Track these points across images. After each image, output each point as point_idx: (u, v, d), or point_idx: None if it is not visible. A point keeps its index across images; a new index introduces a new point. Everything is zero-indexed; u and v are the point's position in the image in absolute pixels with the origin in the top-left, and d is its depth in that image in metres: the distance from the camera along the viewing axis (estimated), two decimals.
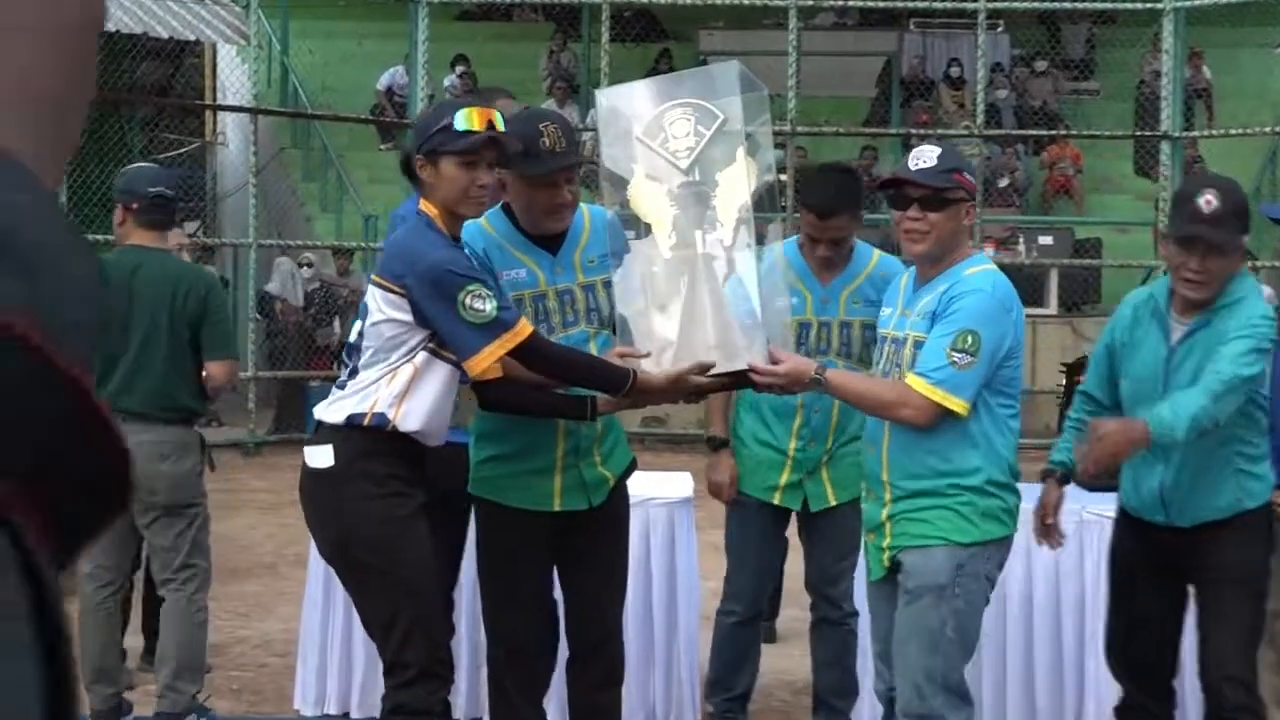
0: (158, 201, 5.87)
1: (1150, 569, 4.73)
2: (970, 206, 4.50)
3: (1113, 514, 5.60)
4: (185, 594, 5.92)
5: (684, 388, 4.35)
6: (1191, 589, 4.71)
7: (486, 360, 4.20)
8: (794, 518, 5.55)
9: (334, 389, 4.44)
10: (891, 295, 4.67)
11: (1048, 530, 4.90)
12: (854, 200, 5.31)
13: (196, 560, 5.95)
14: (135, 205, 5.85)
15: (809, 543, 5.56)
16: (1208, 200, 4.49)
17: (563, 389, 4.44)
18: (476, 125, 4.22)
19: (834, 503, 5.34)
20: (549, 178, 4.45)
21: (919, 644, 4.36)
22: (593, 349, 4.55)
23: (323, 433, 4.38)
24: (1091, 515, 5.67)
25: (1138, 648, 4.79)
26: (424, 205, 4.33)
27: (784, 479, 5.36)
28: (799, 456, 5.33)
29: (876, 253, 5.42)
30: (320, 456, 4.34)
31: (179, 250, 6.51)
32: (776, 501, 5.39)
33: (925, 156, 4.44)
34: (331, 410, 4.38)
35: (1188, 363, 4.55)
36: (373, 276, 4.39)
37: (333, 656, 6.19)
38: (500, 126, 4.27)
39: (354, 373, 4.35)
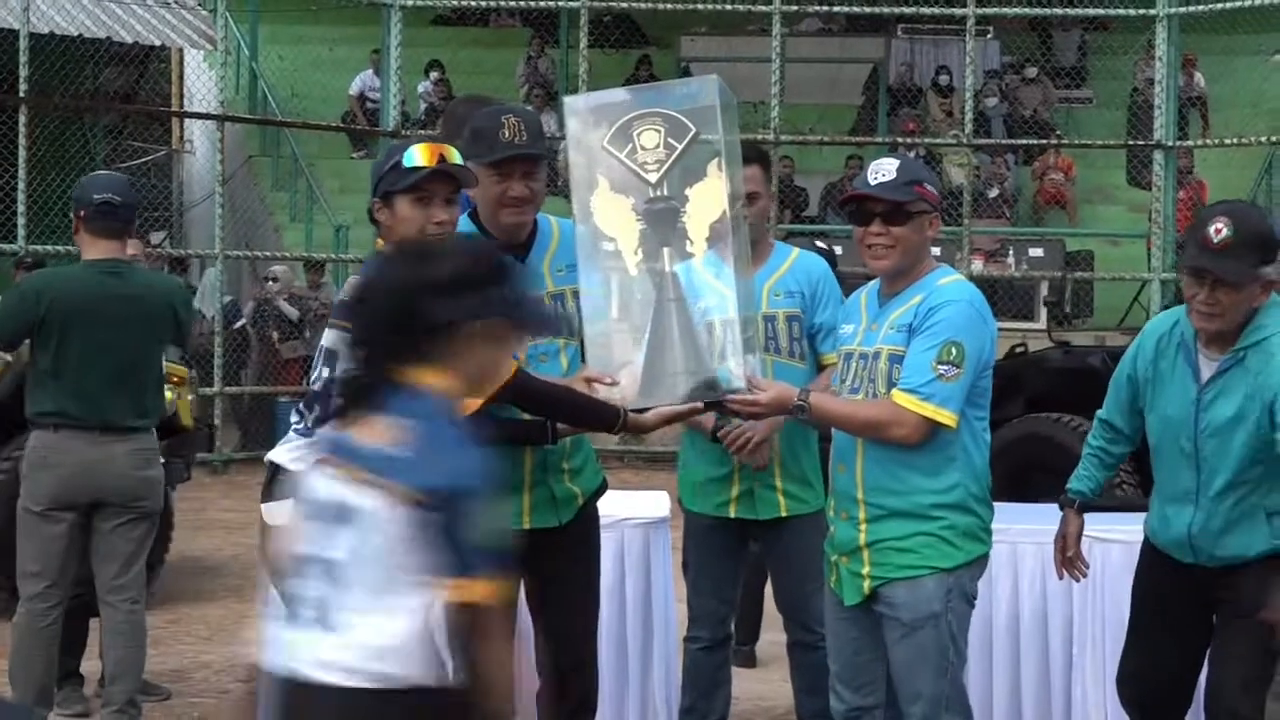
0: (104, 209, 5.93)
1: (1175, 602, 4.76)
2: (934, 218, 4.50)
3: (1102, 534, 5.61)
4: (130, 604, 6.06)
5: (668, 423, 4.41)
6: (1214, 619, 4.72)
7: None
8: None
9: (292, 434, 4.28)
10: (852, 311, 4.66)
11: (1069, 561, 4.91)
12: (763, 155, 5.45)
13: (142, 568, 6.14)
14: (83, 212, 5.94)
15: (772, 564, 5.56)
16: (1217, 229, 4.50)
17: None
18: (424, 160, 4.18)
19: (785, 514, 5.30)
20: (503, 168, 4.44)
21: (927, 672, 4.39)
22: (562, 360, 4.54)
23: (279, 486, 4.21)
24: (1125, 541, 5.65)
25: (1154, 681, 4.81)
26: (383, 248, 4.26)
27: (735, 490, 5.32)
28: (745, 466, 5.27)
29: (796, 250, 5.49)
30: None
31: (139, 259, 6.56)
32: (731, 514, 5.34)
33: (884, 170, 4.43)
34: (296, 459, 4.16)
35: (1220, 402, 4.57)
36: (332, 320, 4.25)
37: None
38: (454, 159, 4.22)
39: (321, 422, 4.16)
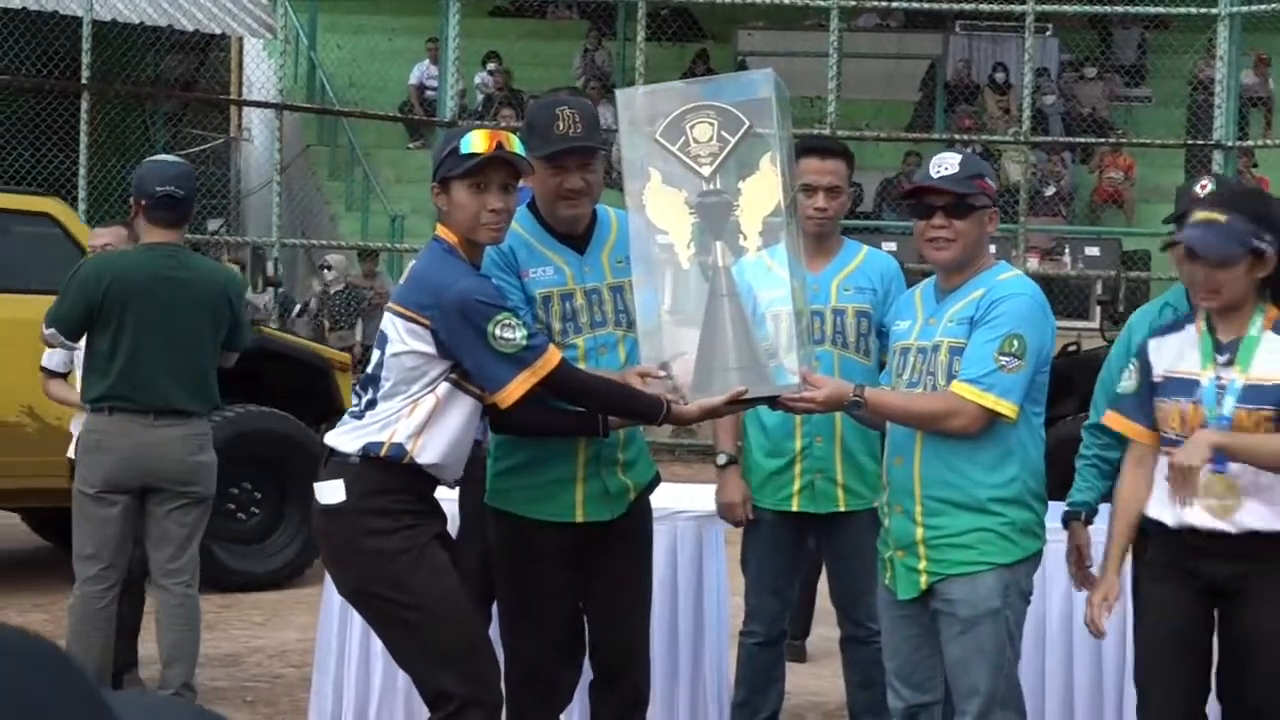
0: (166, 201, 6.00)
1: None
2: (993, 213, 4.52)
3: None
4: (184, 588, 6.10)
5: (715, 416, 4.41)
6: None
7: (517, 392, 4.16)
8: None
9: (347, 417, 4.38)
10: (907, 307, 4.65)
11: (1087, 576, 4.87)
12: (847, 150, 5.47)
13: (195, 552, 6.18)
14: (144, 201, 6.01)
15: (827, 557, 5.56)
16: (1203, 185, 4.48)
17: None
18: (482, 147, 4.19)
19: (843, 508, 5.30)
20: (559, 160, 4.44)
21: (984, 669, 4.38)
22: (620, 353, 4.54)
23: (333, 466, 4.31)
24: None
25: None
26: (442, 232, 4.31)
27: (796, 484, 5.32)
28: (806, 454, 5.29)
29: (866, 247, 5.50)
30: (330, 492, 4.28)
31: (103, 249, 6.60)
32: (794, 508, 5.34)
33: (947, 163, 4.44)
34: (346, 439, 4.31)
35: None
36: (391, 304, 4.33)
37: (350, 668, 6.18)
38: (513, 147, 4.23)
39: (371, 404, 4.29)
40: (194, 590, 6.17)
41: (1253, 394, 4.30)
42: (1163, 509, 4.42)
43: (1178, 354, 4.43)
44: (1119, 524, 4.54)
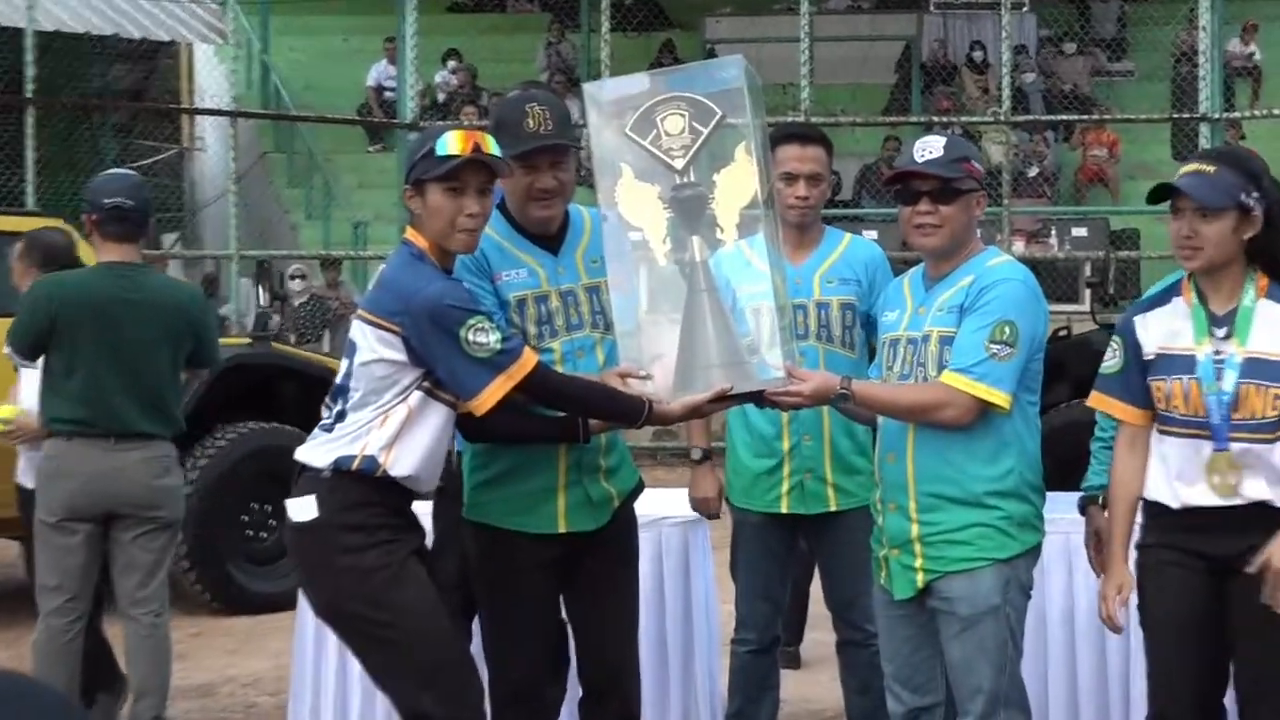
0: (115, 213, 5.97)
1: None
2: (980, 197, 4.52)
3: None
4: (153, 617, 6.09)
5: (699, 415, 4.40)
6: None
7: (493, 398, 4.15)
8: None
9: (317, 430, 4.36)
10: (895, 297, 4.65)
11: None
12: (826, 138, 5.47)
13: (164, 579, 6.16)
14: (95, 216, 5.99)
15: (820, 559, 5.56)
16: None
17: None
18: (459, 149, 4.17)
19: (834, 508, 5.30)
20: (530, 159, 4.43)
21: (987, 667, 4.38)
22: (599, 355, 4.53)
23: (304, 481, 4.30)
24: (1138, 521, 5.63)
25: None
26: (412, 235, 4.29)
27: (785, 485, 5.32)
28: (794, 454, 5.29)
29: (848, 235, 5.51)
30: (303, 509, 4.26)
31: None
32: (783, 510, 5.34)
33: (931, 147, 4.44)
34: (316, 453, 4.30)
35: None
36: (360, 312, 4.31)
37: (326, 694, 6.16)
38: (490, 149, 4.22)
39: (341, 416, 4.27)
40: (163, 620, 6.15)
41: (1257, 369, 4.28)
42: (1161, 489, 4.42)
43: (1169, 329, 4.41)
44: (1117, 509, 4.54)
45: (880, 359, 4.64)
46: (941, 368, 4.36)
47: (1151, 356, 4.43)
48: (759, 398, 4.36)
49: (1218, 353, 4.34)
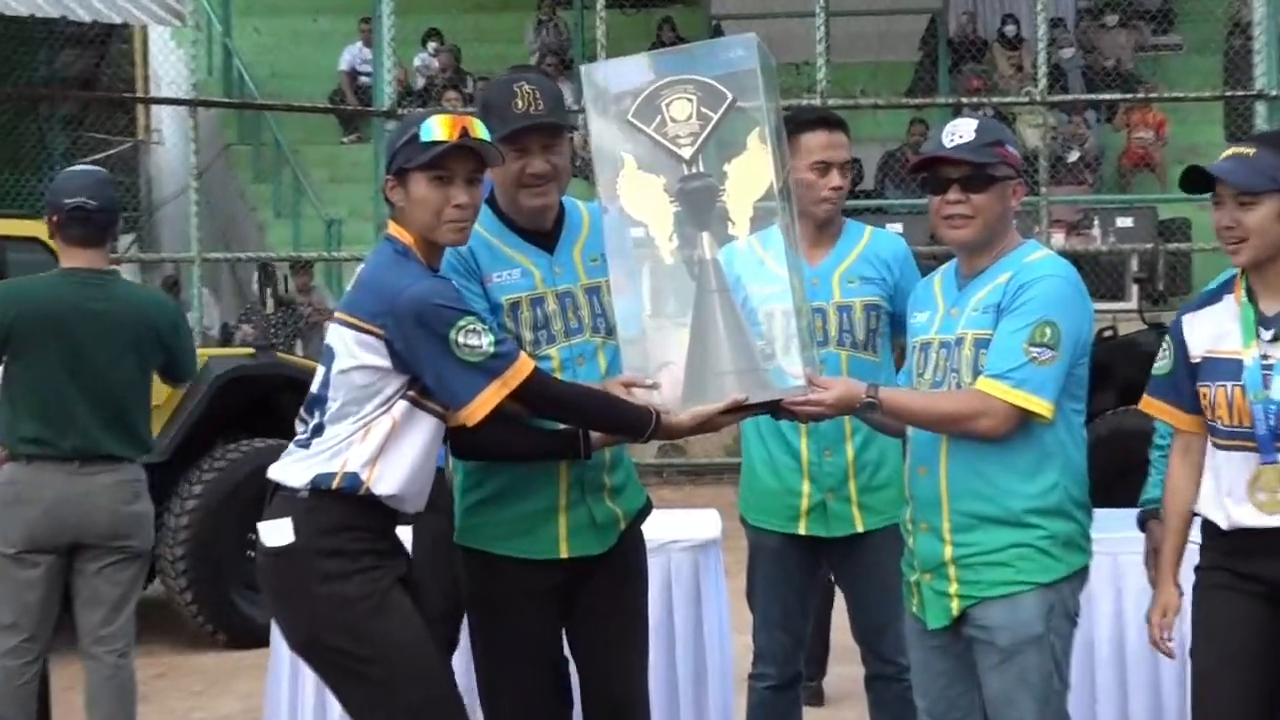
0: (76, 214, 5.96)
1: None
2: (1017, 185, 4.52)
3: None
4: (117, 656, 6.09)
5: (710, 427, 4.38)
6: None
7: (486, 406, 4.15)
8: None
9: (292, 446, 4.36)
10: (925, 297, 4.66)
11: None
12: (842, 121, 5.47)
13: (130, 615, 6.15)
14: (55, 218, 5.98)
15: (845, 585, 5.53)
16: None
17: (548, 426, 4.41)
18: (446, 134, 4.19)
19: (860, 529, 5.29)
20: (520, 141, 4.43)
21: (1029, 702, 4.38)
22: (600, 362, 4.53)
23: (279, 502, 4.29)
24: (1192, 543, 5.63)
25: None
26: (396, 230, 4.30)
27: (805, 502, 5.30)
28: (815, 469, 5.28)
29: (870, 229, 5.50)
30: (277, 533, 4.25)
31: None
32: (801, 530, 5.33)
33: (961, 130, 4.45)
34: (292, 471, 4.29)
35: None
36: (338, 314, 4.31)
37: None
38: (478, 134, 4.23)
39: (319, 430, 4.28)
40: (128, 660, 6.15)
41: None
42: (1212, 506, 4.43)
43: (1217, 331, 4.44)
44: (1170, 524, 4.57)
45: (910, 365, 4.64)
46: (977, 373, 4.37)
47: (1198, 360, 4.45)
48: (776, 408, 4.36)
49: (1265, 357, 4.35)
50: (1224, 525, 4.40)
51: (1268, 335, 4.36)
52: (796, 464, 5.30)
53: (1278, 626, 4.40)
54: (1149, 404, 4.59)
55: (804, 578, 5.46)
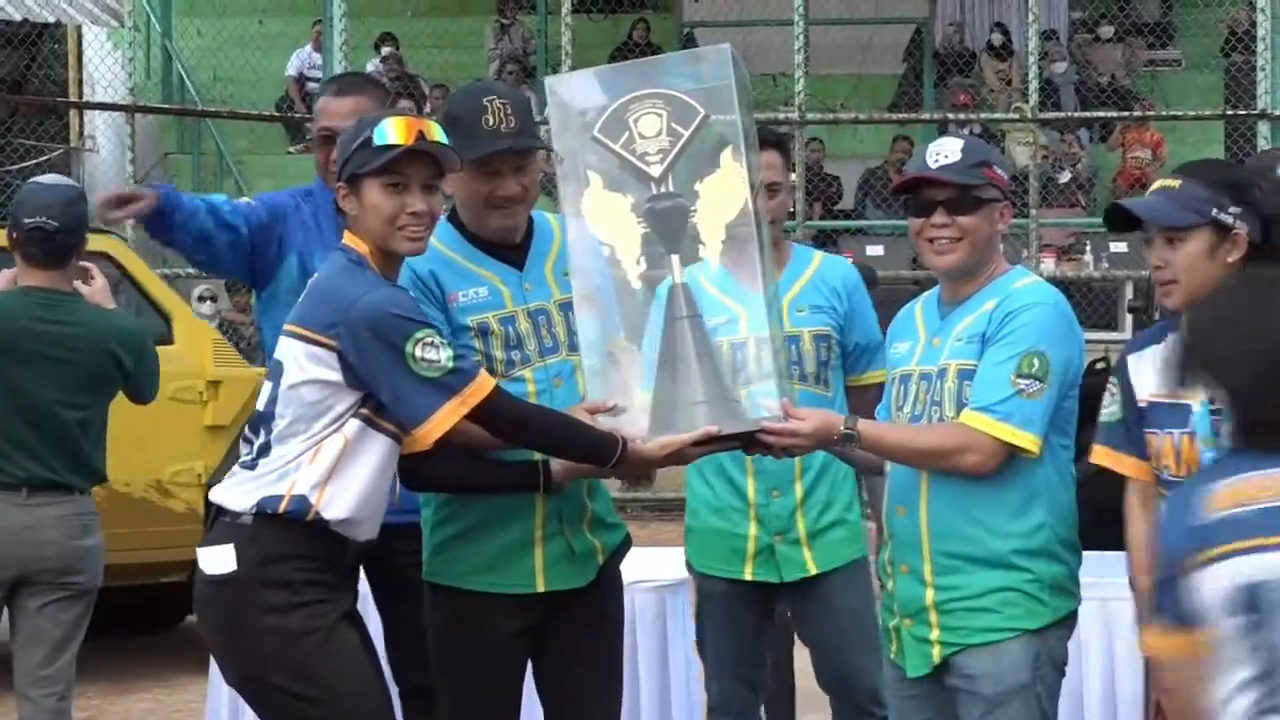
0: (35, 234, 5.93)
1: None
2: (1005, 207, 4.53)
3: None
4: (56, 700, 6.03)
5: (681, 459, 4.39)
6: None
7: (443, 425, 4.15)
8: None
9: (236, 468, 4.35)
10: (905, 326, 4.67)
11: None
12: (780, 141, 5.46)
13: (72, 657, 6.09)
14: (14, 235, 5.96)
15: (805, 633, 5.51)
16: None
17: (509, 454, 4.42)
18: (401, 138, 4.20)
19: (813, 571, 5.28)
20: (490, 164, 4.45)
21: None
22: (579, 382, 4.54)
23: (220, 528, 4.28)
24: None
25: None
26: (350, 240, 4.31)
27: (751, 545, 5.29)
28: (762, 511, 5.27)
29: (819, 254, 5.52)
30: (217, 560, 4.24)
31: None
32: (748, 575, 5.31)
33: (946, 150, 4.46)
34: (235, 494, 4.28)
35: None
36: (288, 325, 4.31)
37: None
38: (435, 137, 4.25)
39: (265, 450, 4.26)
40: (67, 705, 6.08)
41: None
42: None
43: (1161, 373, 4.37)
44: (1140, 582, 4.51)
45: (888, 397, 4.65)
46: (961, 406, 4.38)
47: (1144, 404, 4.41)
48: (750, 440, 4.38)
49: (1214, 400, 4.33)
50: None
51: None
52: (743, 505, 5.29)
53: None
54: (1100, 454, 4.51)
55: (756, 624, 5.44)
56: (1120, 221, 4.40)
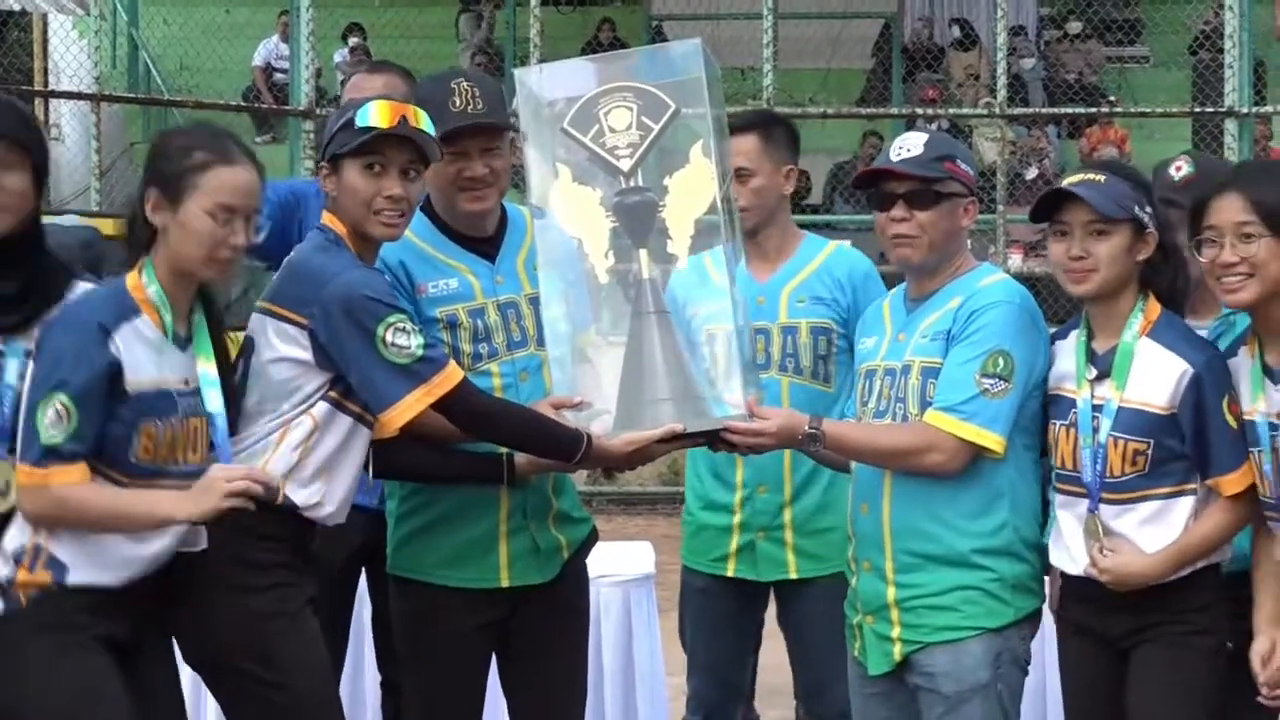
0: None
1: None
2: (970, 203, 4.54)
3: None
4: None
5: (645, 456, 4.39)
6: None
7: (407, 413, 4.16)
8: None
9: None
10: (873, 322, 4.68)
11: None
12: (765, 122, 5.40)
13: None
14: None
15: (787, 636, 5.48)
16: (1178, 166, 4.52)
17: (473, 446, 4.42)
18: (382, 121, 4.21)
19: (794, 575, 5.24)
20: (457, 143, 4.45)
21: None
22: (546, 378, 4.54)
23: None
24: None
25: None
26: (329, 220, 4.32)
27: (734, 543, 5.27)
28: (746, 509, 5.24)
29: (833, 244, 5.44)
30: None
31: None
32: (729, 572, 5.28)
33: (910, 144, 4.48)
34: None
35: None
36: (260, 302, 4.31)
37: None
38: (419, 124, 4.25)
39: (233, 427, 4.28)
40: None
41: (1125, 420, 4.29)
42: (1061, 555, 4.45)
43: (1062, 367, 4.45)
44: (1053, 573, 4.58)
45: (854, 393, 4.66)
46: (925, 405, 4.40)
47: (1051, 396, 4.47)
48: (715, 438, 4.38)
49: (1094, 397, 4.36)
50: (1072, 571, 4.41)
51: (1094, 374, 4.36)
52: (730, 500, 5.27)
53: (1120, 679, 4.40)
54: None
55: (736, 623, 5.41)
56: (1043, 211, 4.41)
